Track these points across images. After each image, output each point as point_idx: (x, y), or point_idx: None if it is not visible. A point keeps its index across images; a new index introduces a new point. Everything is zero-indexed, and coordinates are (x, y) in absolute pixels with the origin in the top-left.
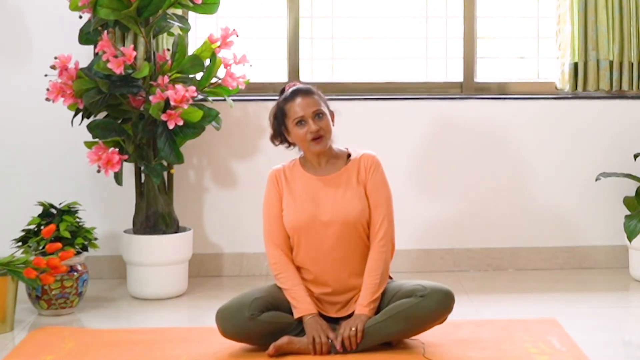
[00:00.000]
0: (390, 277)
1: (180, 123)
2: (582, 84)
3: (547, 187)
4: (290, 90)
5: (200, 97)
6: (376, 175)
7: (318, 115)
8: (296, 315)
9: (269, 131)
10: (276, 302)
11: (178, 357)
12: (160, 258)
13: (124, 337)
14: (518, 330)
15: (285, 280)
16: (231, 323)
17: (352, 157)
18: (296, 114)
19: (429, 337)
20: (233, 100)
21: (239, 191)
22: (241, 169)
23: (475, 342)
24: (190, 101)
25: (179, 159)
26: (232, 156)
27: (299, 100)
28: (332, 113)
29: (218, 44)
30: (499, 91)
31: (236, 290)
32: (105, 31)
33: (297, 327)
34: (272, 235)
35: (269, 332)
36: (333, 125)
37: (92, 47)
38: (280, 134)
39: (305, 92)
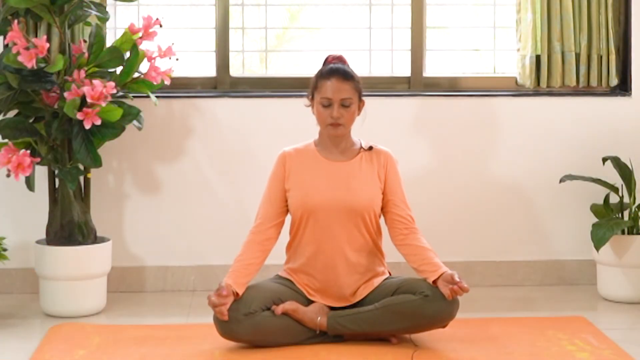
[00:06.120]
0: (389, 273)
1: (98, 122)
2: (545, 79)
3: (505, 193)
4: (330, 67)
5: (120, 93)
6: (397, 171)
7: (345, 103)
8: (224, 280)
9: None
10: (276, 300)
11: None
12: (76, 271)
13: (151, 333)
14: (549, 328)
15: (240, 252)
16: (227, 324)
17: (365, 146)
18: (325, 94)
19: (458, 331)
20: (157, 97)
21: (163, 197)
22: (165, 173)
23: (507, 339)
24: (109, 98)
25: (97, 162)
26: (155, 159)
27: (333, 81)
28: (362, 102)
29: (140, 34)
30: (451, 87)
31: (160, 308)
32: (16, 20)
33: (297, 327)
34: (260, 212)
35: (269, 331)
36: (358, 114)
37: (1, 38)
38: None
39: (343, 76)
